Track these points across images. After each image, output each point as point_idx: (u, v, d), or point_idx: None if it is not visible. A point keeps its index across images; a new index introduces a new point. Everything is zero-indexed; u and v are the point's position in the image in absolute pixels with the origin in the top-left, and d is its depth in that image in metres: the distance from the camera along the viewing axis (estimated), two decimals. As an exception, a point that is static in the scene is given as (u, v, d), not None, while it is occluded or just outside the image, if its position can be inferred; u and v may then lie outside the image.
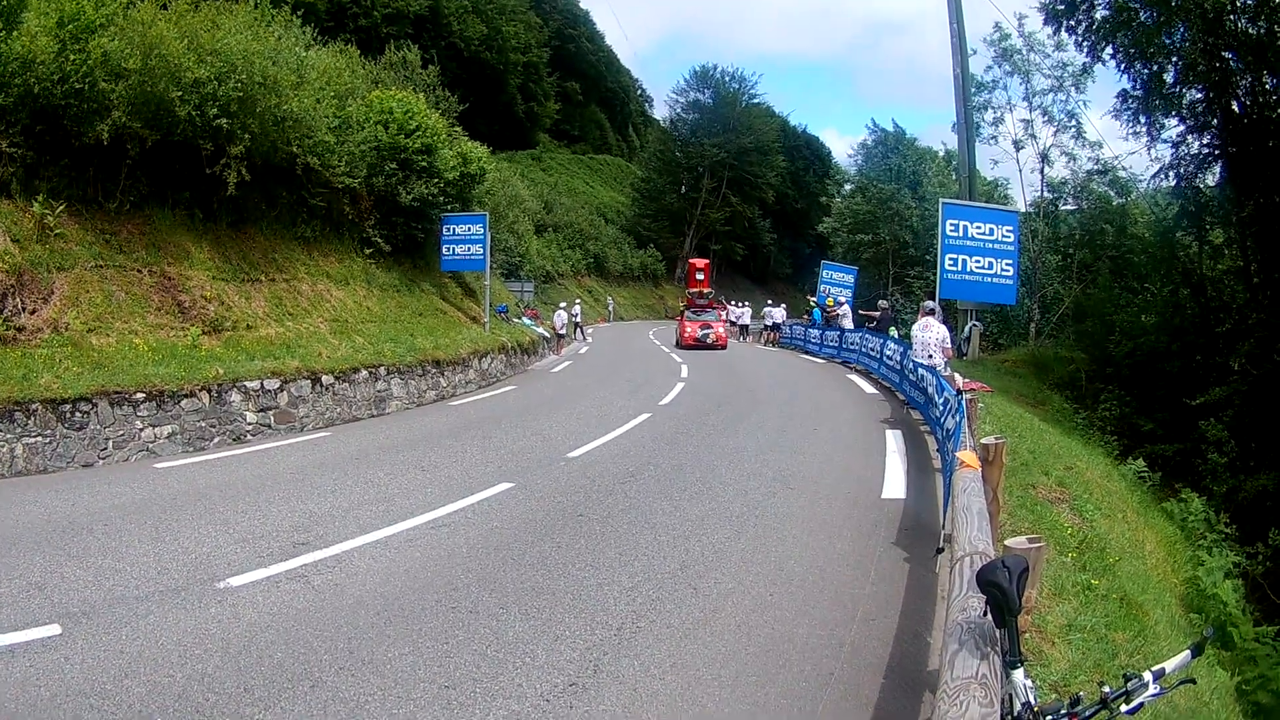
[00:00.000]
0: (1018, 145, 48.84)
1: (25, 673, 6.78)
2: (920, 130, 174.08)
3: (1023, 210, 40.96)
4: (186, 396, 16.34)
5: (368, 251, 27.59)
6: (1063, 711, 3.21)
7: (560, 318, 46.42)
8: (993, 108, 49.05)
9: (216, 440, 16.85)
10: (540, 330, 41.28)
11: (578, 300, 57.81)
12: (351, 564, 9.54)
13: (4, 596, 8.36)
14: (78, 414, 14.73)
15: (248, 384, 17.72)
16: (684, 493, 12.76)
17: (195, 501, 12.28)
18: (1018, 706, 3.58)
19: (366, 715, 6.23)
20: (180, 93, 18.38)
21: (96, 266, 17.65)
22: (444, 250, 32.30)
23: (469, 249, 32.02)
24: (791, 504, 12.29)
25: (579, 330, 52.39)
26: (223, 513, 11.56)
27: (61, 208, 17.38)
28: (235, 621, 7.84)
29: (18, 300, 15.85)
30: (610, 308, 79.87)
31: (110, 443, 15.24)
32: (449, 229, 31.88)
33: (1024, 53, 47.26)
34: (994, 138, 49.59)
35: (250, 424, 17.69)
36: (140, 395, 15.58)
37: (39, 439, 14.18)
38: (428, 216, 30.71)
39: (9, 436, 13.80)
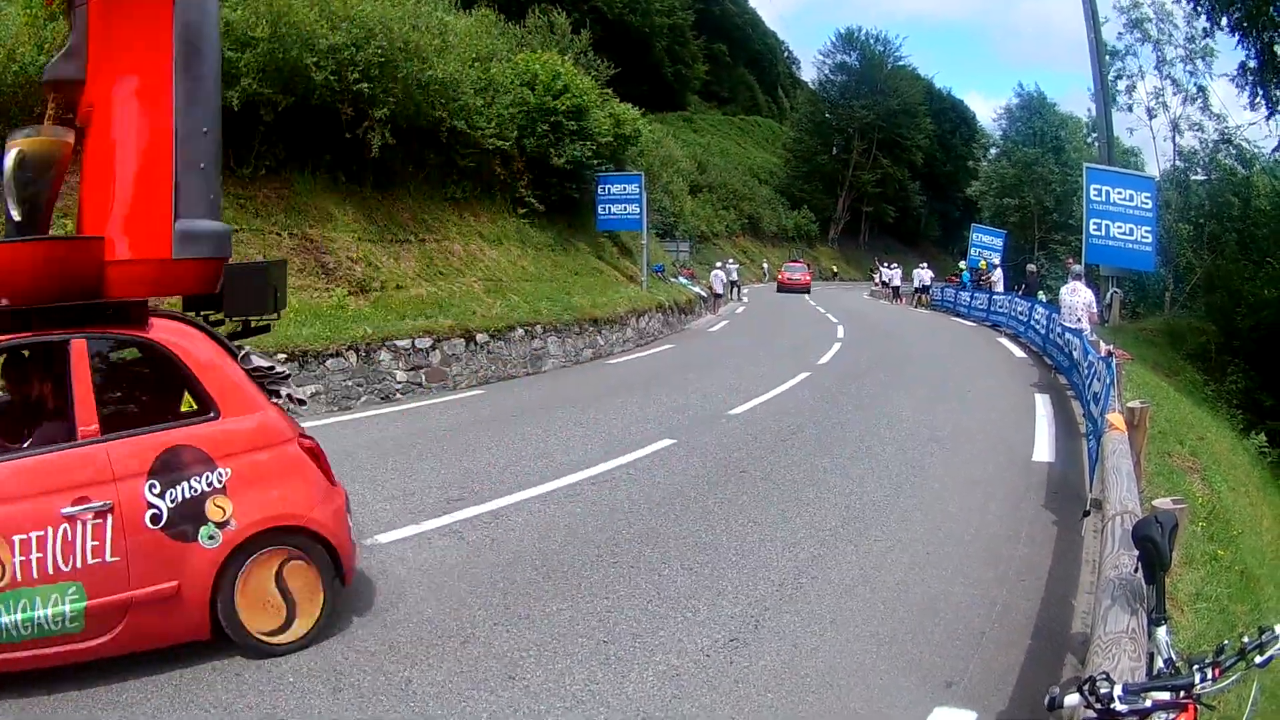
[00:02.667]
0: (1150, 113, 48.39)
1: None
2: (1057, 93, 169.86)
3: (1156, 178, 39.32)
4: (332, 356, 16.05)
5: (521, 211, 27.44)
6: (1208, 661, 3.04)
7: (718, 277, 45.83)
8: (1126, 75, 48.42)
9: (364, 399, 16.58)
10: (697, 289, 41.15)
11: (733, 260, 57.33)
12: (508, 520, 9.36)
13: None
14: None
15: (398, 343, 17.39)
16: (844, 450, 12.64)
17: (342, 460, 11.56)
18: (1159, 663, 3.69)
19: (521, 670, 6.10)
20: (315, 59, 18.29)
21: (233, 231, 16.99)
22: (600, 210, 32.06)
23: (625, 208, 31.84)
24: (948, 464, 12.17)
25: (735, 290, 51.95)
26: (370, 471, 11.23)
27: None
28: (382, 578, 7.71)
29: None
30: (765, 268, 78.83)
31: None
32: (604, 189, 31.64)
33: (1154, 20, 46.43)
34: (1129, 105, 49.15)
35: (400, 383, 17.37)
36: (281, 355, 15.15)
37: None
38: (582, 177, 30.39)
39: None
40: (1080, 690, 2.92)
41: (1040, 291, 33.01)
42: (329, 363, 16.01)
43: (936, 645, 6.59)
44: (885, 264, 64.08)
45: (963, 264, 48.37)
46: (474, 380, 19.10)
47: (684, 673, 6.09)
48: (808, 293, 57.09)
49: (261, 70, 17.70)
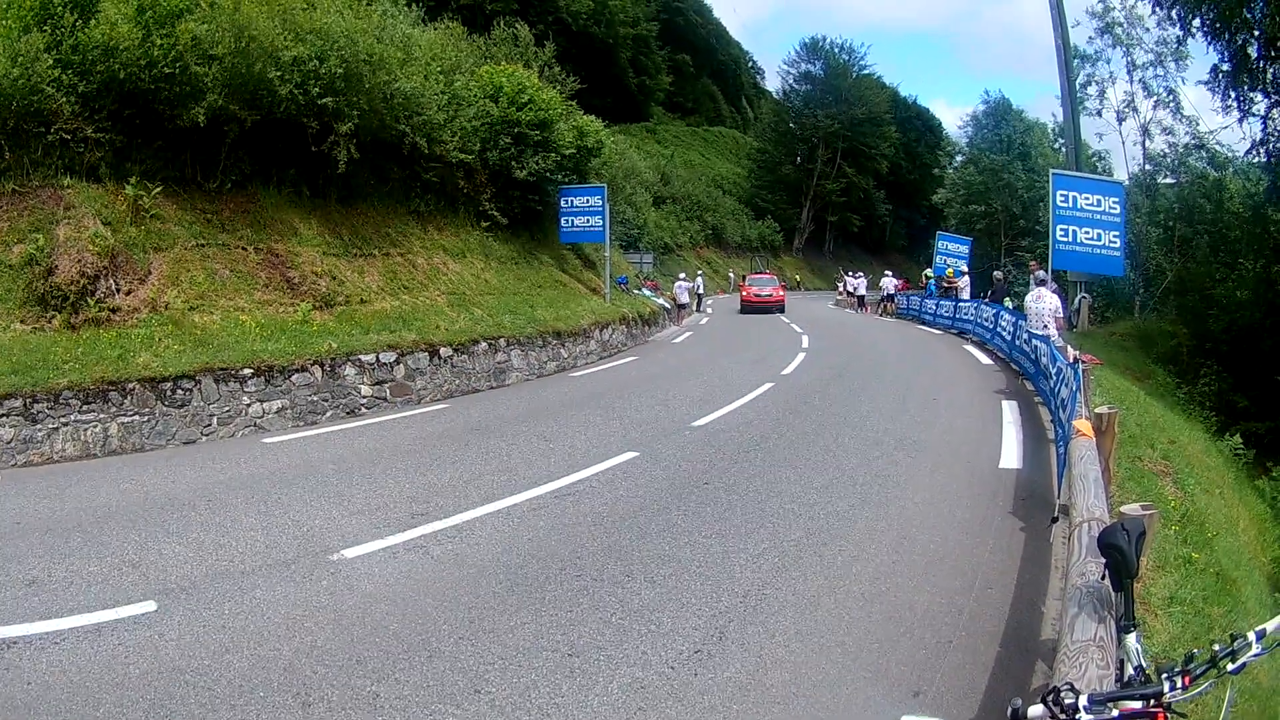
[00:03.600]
0: (1120, 118, 48.51)
1: (113, 651, 6.66)
2: (1025, 101, 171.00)
3: (1125, 183, 39.90)
4: (297, 371, 16.16)
5: (484, 225, 27.39)
6: (1177, 669, 3.04)
7: (681, 288, 45.87)
8: (1096, 81, 48.66)
9: (329, 414, 16.64)
10: (660, 301, 41.17)
11: (699, 272, 57.61)
12: (473, 534, 9.43)
13: (95, 575, 8.25)
14: (179, 391, 14.64)
15: (362, 357, 17.48)
16: (808, 461, 12.63)
17: (307, 475, 12.19)
18: (1129, 670, 3.67)
19: (486, 684, 6.15)
20: (279, 72, 18.32)
21: (198, 246, 17.68)
22: (563, 222, 32.13)
23: (588, 221, 31.78)
24: (913, 473, 12.16)
25: (699, 301, 52.06)
26: (337, 486, 11.43)
27: (157, 190, 17.40)
28: (349, 593, 7.77)
29: (111, 282, 15.83)
30: (730, 278, 79.08)
31: (215, 419, 15.10)
32: (567, 201, 31.64)
33: (1125, 25, 46.67)
34: (1098, 110, 49.36)
35: (365, 397, 17.43)
36: (248, 371, 15.45)
37: (135, 418, 14.12)
38: (545, 190, 30.43)
39: (102, 416, 13.78)
40: (1044, 701, 2.95)
41: (1007, 298, 32.92)
42: (294, 378, 16.09)
43: (903, 655, 6.66)
44: (850, 273, 64.35)
45: (928, 271, 48.73)
46: (438, 394, 19.15)
47: (649, 685, 6.14)
48: (781, 312, 48.83)
49: (226, 85, 17.76)
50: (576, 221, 31.83)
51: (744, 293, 53.30)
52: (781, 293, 53.17)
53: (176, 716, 5.76)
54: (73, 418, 13.52)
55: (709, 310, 52.67)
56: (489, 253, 27.01)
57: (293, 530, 9.56)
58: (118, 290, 15.84)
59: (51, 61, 16.38)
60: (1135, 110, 47.89)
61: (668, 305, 42.33)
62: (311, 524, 9.77)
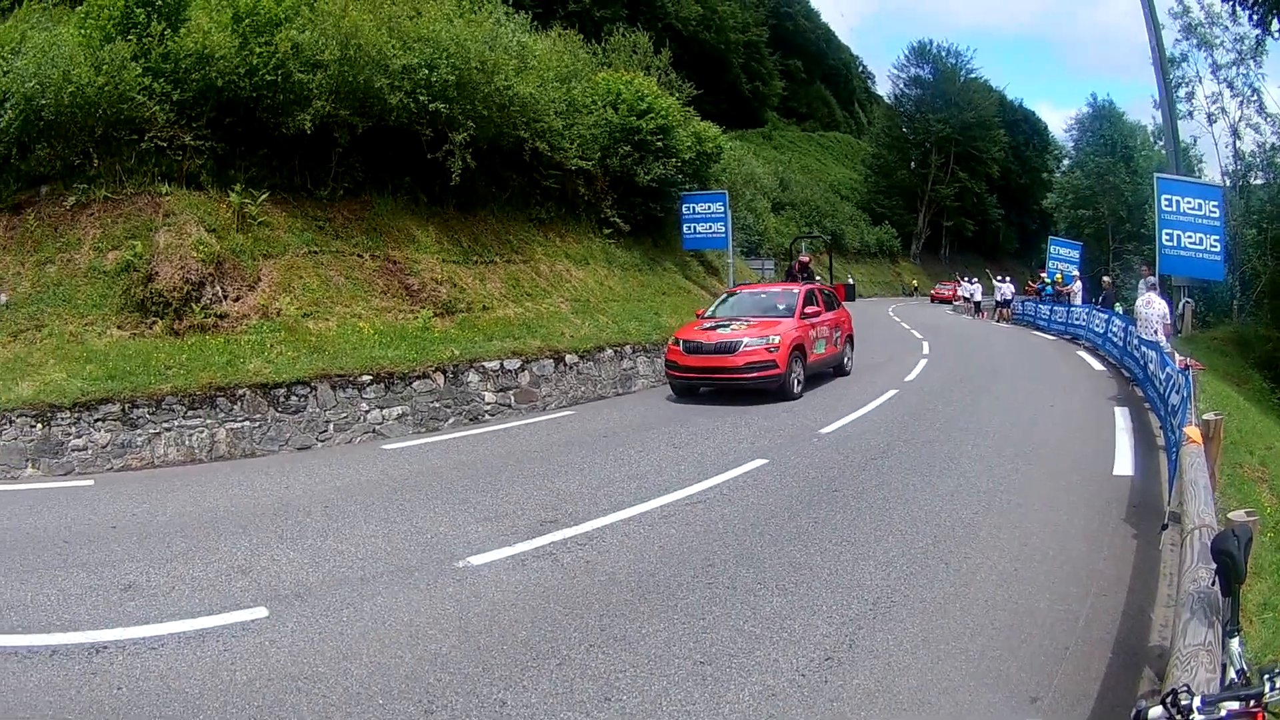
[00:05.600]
0: (1210, 118, 47.75)
1: (217, 657, 6.54)
2: (1123, 103, 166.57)
3: (1224, 186, 38.84)
4: (419, 378, 15.92)
5: (606, 232, 27.18)
6: (1277, 670, 2.97)
7: None
8: (1185, 82, 47.65)
9: (451, 420, 16.40)
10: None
11: (817, 277, 55.52)
12: (603, 541, 9.23)
13: (199, 580, 8.18)
14: (293, 398, 14.53)
15: (486, 364, 17.23)
16: (933, 468, 12.46)
17: (430, 481, 12.04)
18: (1231, 674, 3.67)
19: (617, 692, 5.98)
20: (388, 80, 18.18)
21: (310, 253, 17.65)
22: (685, 229, 31.35)
23: (710, 227, 30.90)
24: (1032, 479, 12.01)
25: None
26: (461, 492, 11.25)
27: (263, 197, 17.43)
28: (475, 601, 7.61)
29: (218, 288, 15.85)
30: (850, 284, 77.42)
31: (331, 425, 14.92)
32: (689, 208, 31.15)
33: (1206, 26, 45.84)
34: (1189, 112, 48.22)
35: (489, 404, 17.17)
36: (366, 378, 15.29)
37: (245, 424, 14.04)
38: (666, 195, 30.06)
39: (209, 422, 13.75)
40: (1163, 702, 2.99)
41: (1116, 303, 32.64)
42: (415, 384, 15.87)
43: (1023, 661, 6.52)
44: (966, 278, 63.77)
45: (1043, 275, 47.92)
46: (564, 401, 18.88)
47: (780, 692, 5.96)
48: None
49: (334, 92, 17.70)
50: (699, 228, 31.34)
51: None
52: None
53: None
54: (176, 423, 13.48)
55: None
56: (612, 259, 26.76)
57: (415, 537, 9.38)
58: (225, 296, 15.83)
59: (140, 70, 16.43)
60: (1224, 111, 47.13)
61: None
62: (435, 530, 9.60)
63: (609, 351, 20.68)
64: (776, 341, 18.13)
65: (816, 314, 20.12)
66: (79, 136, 16.28)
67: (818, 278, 30.81)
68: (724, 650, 6.55)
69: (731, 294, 22.79)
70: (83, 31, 16.71)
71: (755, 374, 17.99)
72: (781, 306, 20.32)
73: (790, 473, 12.16)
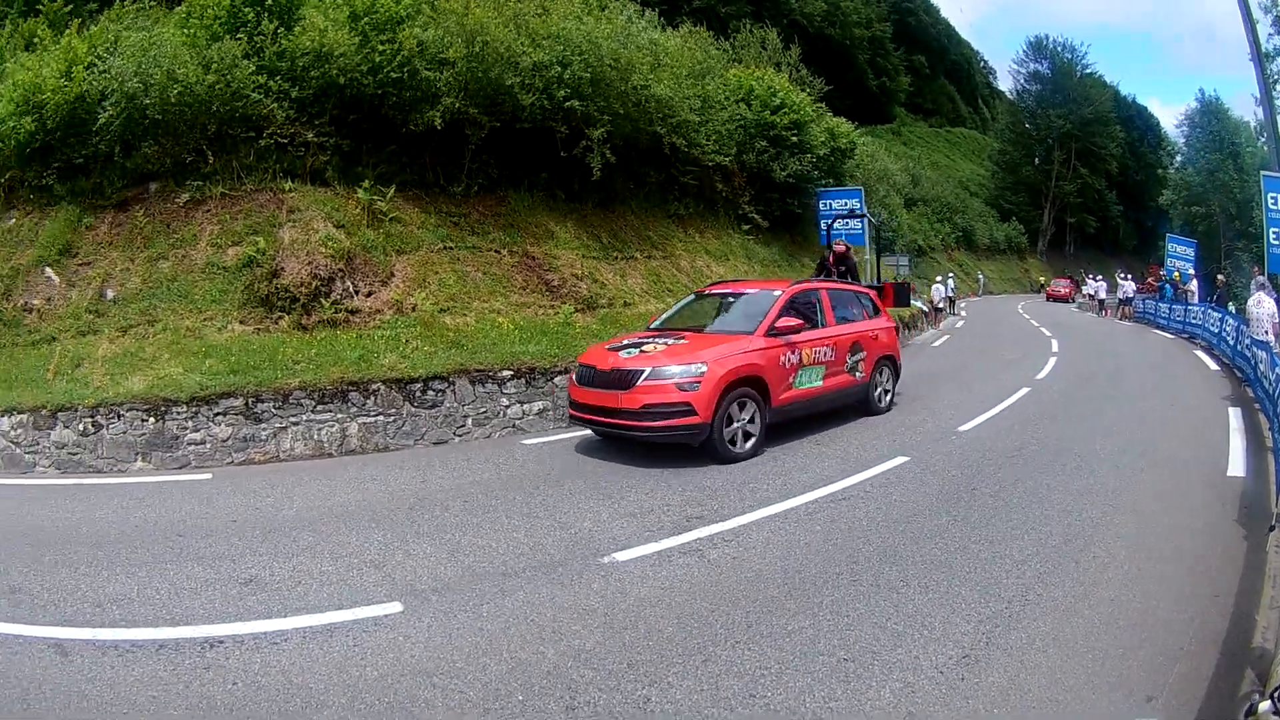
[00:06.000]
0: None
1: (345, 652, 6.50)
2: (1227, 98, 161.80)
3: None
4: (560, 373, 15.58)
5: (745, 227, 27.15)
6: None
7: (938, 291, 45.33)
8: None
9: (595, 416, 15.95)
10: (919, 304, 40.24)
11: (950, 274, 56.12)
12: (749, 538, 9.17)
13: (327, 574, 8.10)
14: (429, 392, 14.34)
15: (632, 360, 16.66)
16: (1065, 467, 12.35)
17: (573, 476, 11.86)
18: None
19: (761, 688, 5.98)
20: (519, 78, 18.08)
21: (445, 249, 17.62)
22: (822, 225, 30.89)
23: (846, 223, 30.50)
24: (1154, 479, 11.92)
25: (952, 304, 50.79)
26: (605, 488, 11.12)
27: (392, 192, 17.45)
28: (621, 597, 7.57)
29: (348, 284, 15.88)
30: (981, 281, 77.88)
31: (469, 420, 14.70)
32: (825, 204, 31.14)
33: None
34: None
35: (635, 401, 16.57)
36: (506, 373, 15.08)
37: (379, 418, 13.91)
38: (802, 191, 30.16)
39: (340, 416, 13.63)
40: (1271, 697, 3.33)
41: (1230, 302, 32.44)
42: (557, 379, 15.60)
43: (1142, 661, 6.51)
44: (1091, 275, 63.80)
45: (1161, 273, 48.06)
46: None
47: (919, 689, 5.98)
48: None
49: (462, 89, 17.60)
50: (835, 224, 30.65)
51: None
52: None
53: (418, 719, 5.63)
54: (305, 417, 13.40)
55: (963, 313, 51.92)
56: (751, 255, 26.62)
57: (558, 532, 9.27)
58: (356, 292, 15.83)
59: (253, 68, 16.52)
60: None
61: (925, 308, 41.50)
62: (579, 526, 9.48)
63: None
64: (700, 373, 11.97)
65: (798, 328, 13.60)
66: (189, 134, 16.41)
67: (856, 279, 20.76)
68: (867, 647, 6.57)
69: (701, 294, 16.06)
70: (185, 31, 16.86)
71: (656, 423, 11.90)
72: (747, 316, 14.00)
73: (931, 471, 12.13)
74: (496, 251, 18.32)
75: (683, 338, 13.19)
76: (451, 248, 17.64)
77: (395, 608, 7.22)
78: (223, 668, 6.18)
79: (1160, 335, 36.68)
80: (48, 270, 15.64)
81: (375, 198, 16.97)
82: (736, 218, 26.99)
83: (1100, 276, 60.34)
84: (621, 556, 8.42)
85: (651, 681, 5.99)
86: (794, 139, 28.28)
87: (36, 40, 18.30)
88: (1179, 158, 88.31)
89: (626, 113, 20.34)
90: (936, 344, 33.09)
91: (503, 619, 7.02)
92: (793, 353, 13.30)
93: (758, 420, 12.61)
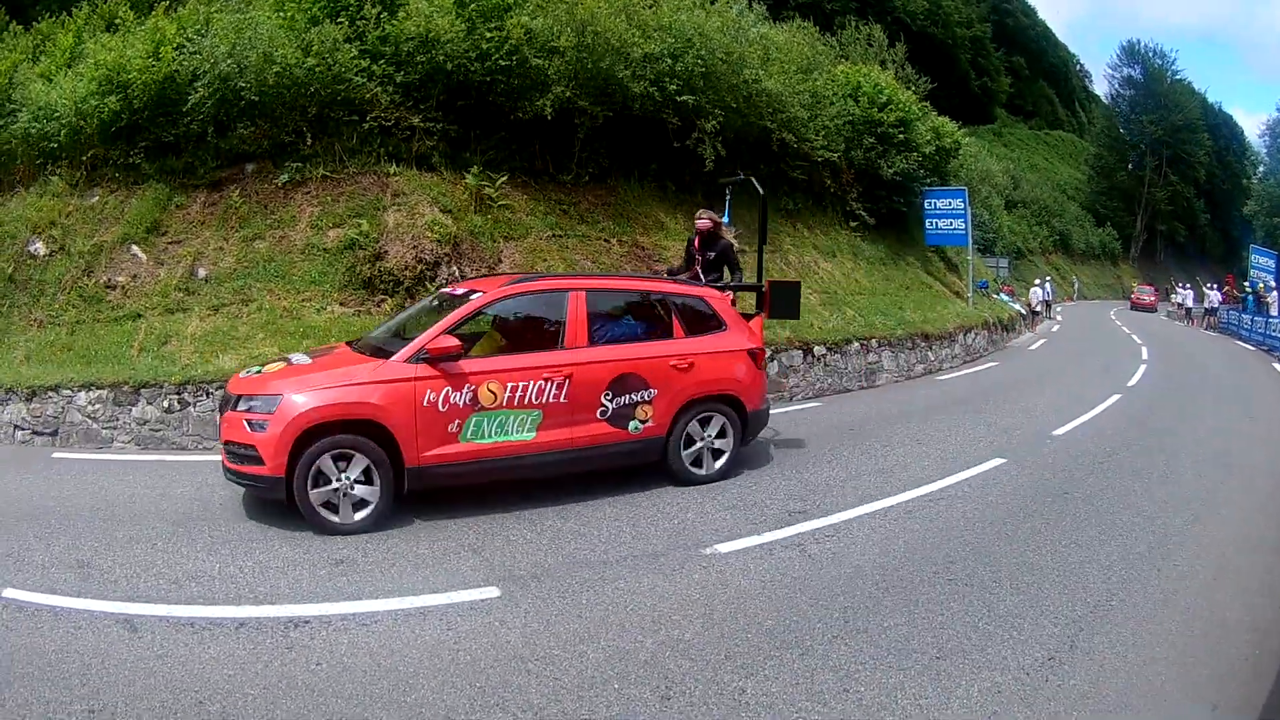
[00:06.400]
0: None
1: (438, 636, 6.49)
2: None
3: None
4: None
5: (853, 224, 26.87)
6: None
7: (1036, 294, 45.10)
8: None
9: (696, 409, 15.67)
10: (1017, 306, 40.32)
11: (1048, 278, 55.85)
12: (850, 534, 9.26)
13: (423, 557, 8.06)
14: None
15: (730, 353, 16.23)
16: (1152, 475, 12.49)
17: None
18: None
19: (855, 683, 6.04)
20: (629, 69, 18.02)
21: (554, 236, 17.58)
22: (927, 224, 31.49)
23: (950, 223, 31.06)
24: (1233, 491, 11.98)
25: (1049, 308, 50.34)
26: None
27: (502, 179, 17.40)
28: (721, 588, 7.62)
29: (454, 268, 15.81)
30: (1076, 286, 77.16)
31: None
32: (930, 203, 31.04)
33: None
34: None
35: (731, 393, 16.07)
36: None
37: None
38: (908, 190, 29.83)
39: None
40: None
41: None
42: None
43: (1210, 669, 6.58)
44: (1180, 284, 62.96)
45: (1245, 284, 47.61)
46: (810, 392, 18.45)
47: (1004, 689, 6.04)
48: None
49: (572, 78, 17.58)
50: (940, 224, 31.16)
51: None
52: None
53: (510, 705, 5.58)
54: None
55: (1058, 318, 51.20)
56: (858, 252, 26.38)
57: (661, 522, 9.24)
58: (463, 277, 15.62)
59: (355, 52, 16.54)
60: None
61: (1023, 311, 41.30)
62: (682, 517, 9.44)
63: (856, 344, 20.11)
64: (271, 409, 8.60)
65: (456, 352, 9.02)
66: (289, 116, 16.43)
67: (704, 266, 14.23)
68: (959, 646, 6.65)
69: (443, 294, 11.46)
70: (281, 14, 16.92)
71: (235, 465, 8.83)
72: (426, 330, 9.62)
73: (1026, 473, 12.23)
74: (606, 240, 18.32)
75: (332, 352, 10.10)
76: (560, 235, 17.63)
77: (493, 592, 7.21)
78: (306, 648, 6.16)
79: (1241, 346, 37.20)
80: (134, 248, 15.69)
81: (484, 183, 16.94)
82: (844, 214, 26.74)
83: (1188, 285, 59.95)
84: (724, 548, 8.40)
85: (748, 673, 6.03)
86: (900, 137, 28.01)
87: (119, 21, 18.32)
88: (1261, 168, 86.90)
89: (737, 106, 20.23)
90: (1033, 347, 33.00)
91: (602, 607, 7.03)
92: (461, 388, 9.00)
93: (378, 483, 8.63)
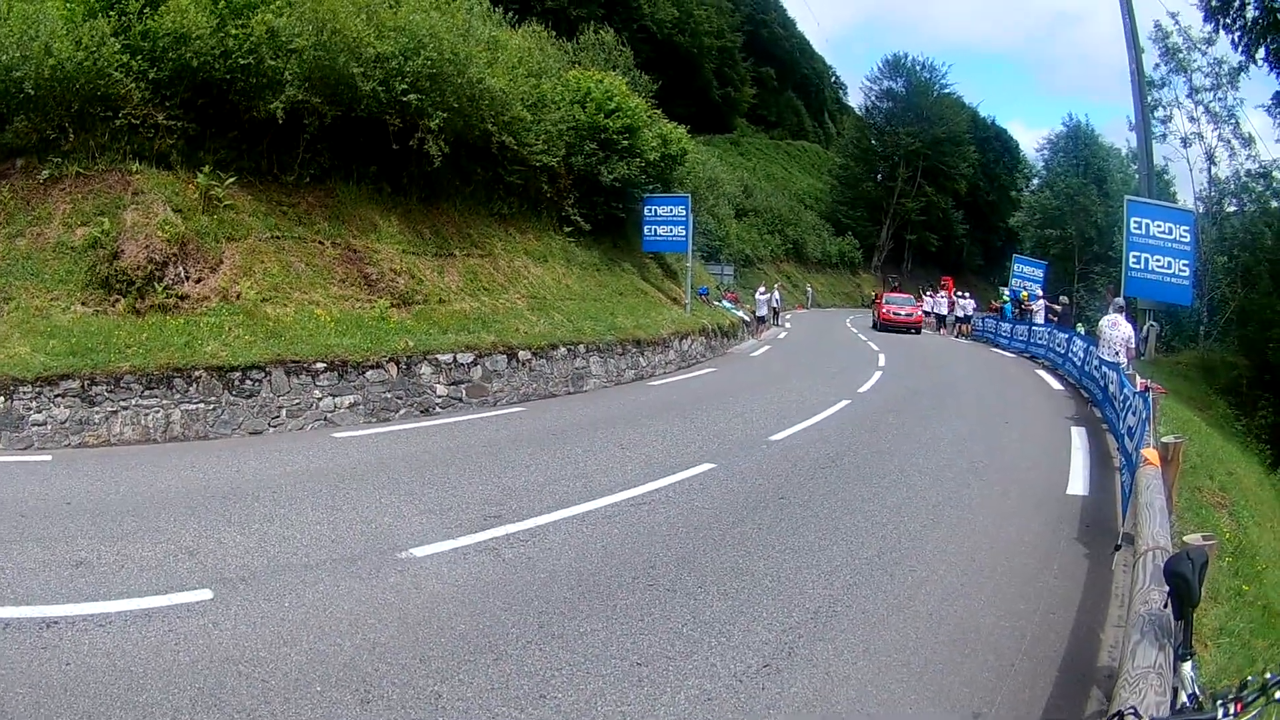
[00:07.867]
0: (1185, 143, 47.88)
1: (162, 637, 6.62)
2: (1097, 125, 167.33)
3: (1196, 212, 39.64)
4: (372, 368, 16.04)
5: (567, 230, 27.25)
6: (1230, 696, 3.03)
7: (761, 302, 45.71)
8: (1162, 105, 47.77)
9: (403, 412, 16.50)
10: (740, 314, 40.70)
11: (777, 285, 56.58)
12: (546, 539, 9.33)
13: (147, 560, 8.18)
14: (248, 382, 14.61)
15: (439, 357, 17.32)
16: (883, 480, 12.66)
17: (378, 471, 12.05)
18: (1183, 697, 3.78)
19: (552, 689, 6.10)
20: (362, 68, 18.23)
21: (273, 238, 17.70)
22: (645, 231, 31.84)
23: (671, 230, 31.43)
24: (983, 496, 12.23)
25: (776, 315, 51.01)
26: (408, 484, 11.32)
27: (230, 179, 17.44)
28: (416, 592, 7.74)
29: (180, 269, 15.87)
30: (809, 294, 78.80)
31: (284, 411, 15.01)
32: (650, 210, 31.38)
33: (1184, 51, 46.15)
34: (1164, 135, 48.19)
35: (440, 397, 17.26)
36: (320, 365, 15.38)
37: (200, 406, 14.10)
38: (629, 196, 30.21)
39: (165, 402, 13.79)
40: (1117, 716, 3.09)
41: (1079, 324, 33.71)
42: (369, 374, 15.98)
43: (966, 676, 6.64)
44: (928, 293, 64.10)
45: (1005, 293, 48.87)
46: (515, 397, 18.91)
47: (716, 697, 6.09)
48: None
49: (306, 79, 17.69)
50: (659, 230, 31.56)
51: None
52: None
53: (226, 706, 5.65)
54: (134, 402, 13.52)
55: (787, 325, 52.01)
56: (571, 258, 26.83)
57: (360, 526, 9.42)
58: (187, 278, 15.84)
59: (119, 47, 16.42)
60: (1200, 136, 47.43)
61: (747, 318, 41.88)
62: (380, 520, 9.65)
63: (562, 350, 20.74)
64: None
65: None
66: (56, 110, 16.24)
67: None
68: (661, 652, 6.70)
69: None
70: (67, 5, 16.69)
71: None
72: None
73: (738, 478, 12.32)
74: (320, 243, 18.50)
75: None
76: (278, 237, 17.71)
77: (206, 595, 7.34)
78: (58, 648, 6.31)
79: (999, 354, 37.82)
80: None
81: (213, 184, 16.96)
82: (559, 219, 27.22)
83: (938, 292, 61.11)
84: (419, 552, 8.62)
85: (443, 678, 6.15)
86: (625, 143, 28.56)
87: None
88: (1036, 180, 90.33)
89: (460, 107, 20.52)
90: (756, 354, 33.77)
91: (304, 610, 7.17)
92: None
93: None
